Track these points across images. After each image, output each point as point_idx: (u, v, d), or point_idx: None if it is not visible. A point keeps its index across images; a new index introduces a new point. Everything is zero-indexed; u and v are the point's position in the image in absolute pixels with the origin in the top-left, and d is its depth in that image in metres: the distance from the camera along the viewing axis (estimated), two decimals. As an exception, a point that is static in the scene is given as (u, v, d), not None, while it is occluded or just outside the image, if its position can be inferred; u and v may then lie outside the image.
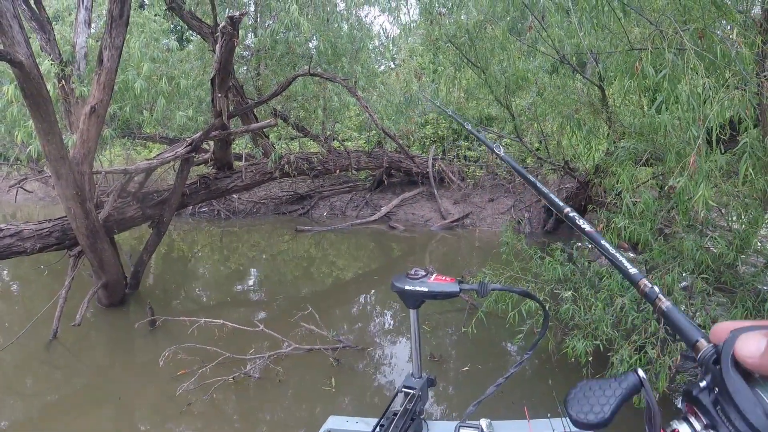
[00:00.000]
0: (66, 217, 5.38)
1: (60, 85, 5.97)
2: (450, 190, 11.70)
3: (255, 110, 8.98)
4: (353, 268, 8.68)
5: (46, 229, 5.52)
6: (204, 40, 8.79)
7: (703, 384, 0.57)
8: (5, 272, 7.87)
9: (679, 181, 2.84)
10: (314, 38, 8.84)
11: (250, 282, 7.94)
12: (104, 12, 7.87)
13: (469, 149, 12.61)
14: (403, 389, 1.33)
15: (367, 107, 8.03)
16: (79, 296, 5.54)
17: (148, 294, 6.53)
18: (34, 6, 5.76)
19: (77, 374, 4.74)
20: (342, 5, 9.24)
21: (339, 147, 10.75)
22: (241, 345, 4.76)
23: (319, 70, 8.18)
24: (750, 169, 2.81)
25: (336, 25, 8.83)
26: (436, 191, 11.40)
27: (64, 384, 4.55)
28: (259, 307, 6.64)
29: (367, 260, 9.23)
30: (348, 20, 9.46)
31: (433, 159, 11.58)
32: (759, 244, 3.89)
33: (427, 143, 12.95)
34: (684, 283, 3.79)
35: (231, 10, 8.22)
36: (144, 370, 4.77)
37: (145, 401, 4.26)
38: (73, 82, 6.09)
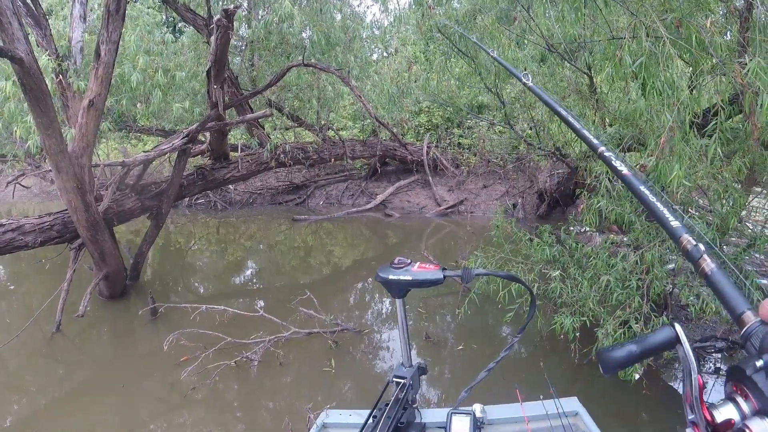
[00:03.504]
0: (66, 210, 5.47)
1: (57, 79, 6.05)
2: (445, 178, 11.82)
3: (250, 101, 9.06)
4: (350, 256, 8.81)
5: (47, 223, 5.61)
6: (198, 32, 8.83)
7: (760, 363, 0.51)
8: (2, 269, 7.96)
9: (650, 161, 2.97)
10: (307, 29, 8.90)
11: (249, 271, 8.07)
12: (98, 5, 7.95)
13: (462, 136, 12.70)
14: (394, 379, 1.33)
15: (360, 97, 8.12)
16: (79, 291, 5.62)
17: (148, 285, 6.64)
18: (30, 2, 5.83)
19: (80, 366, 4.84)
20: (334, -5, 9.32)
21: (334, 136, 10.84)
22: (241, 331, 4.87)
23: (313, 61, 8.25)
24: (719, 150, 2.94)
25: (329, 16, 8.89)
26: (431, 178, 11.51)
27: (67, 376, 4.65)
28: (258, 295, 6.78)
29: (364, 248, 9.36)
30: (341, 10, 9.53)
31: (427, 147, 11.68)
32: (739, 225, 3.99)
33: (422, 131, 13.01)
34: (671, 266, 3.93)
35: (225, 3, 8.27)
36: (147, 358, 4.89)
37: (149, 389, 4.37)
38: (70, 77, 6.17)
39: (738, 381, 0.53)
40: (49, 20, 6.65)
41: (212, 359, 4.32)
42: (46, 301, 5.44)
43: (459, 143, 12.69)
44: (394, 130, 10.23)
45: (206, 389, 4.17)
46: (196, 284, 7.38)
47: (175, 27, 12.93)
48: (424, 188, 11.83)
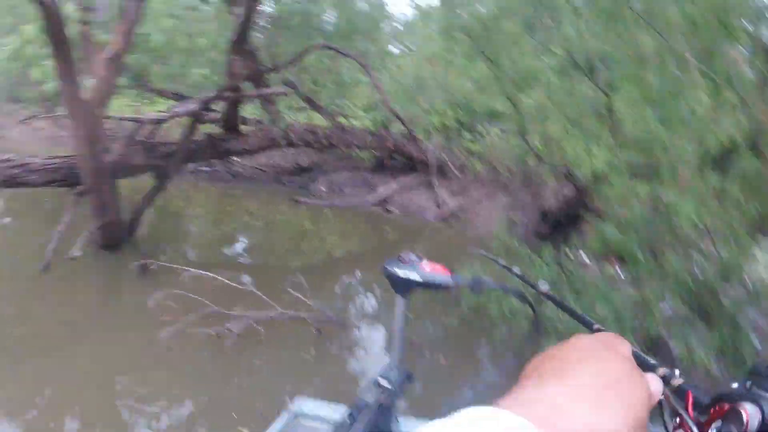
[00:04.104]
0: (74, 156, 5.51)
1: (81, 30, 6.07)
2: (449, 181, 11.77)
3: (266, 77, 9.07)
4: (345, 246, 8.82)
5: (54, 165, 5.67)
6: (224, 2, 8.85)
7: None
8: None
9: (668, 195, 2.92)
10: (330, 13, 8.92)
11: (242, 245, 8.09)
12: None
13: (471, 141, 12.65)
14: (379, 380, 1.22)
15: (379, 86, 8.13)
16: (73, 238, 5.62)
17: (142, 242, 6.64)
18: None
19: (62, 306, 4.87)
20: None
21: (346, 124, 10.81)
22: (227, 303, 4.78)
23: (335, 45, 8.26)
24: (735, 191, 2.89)
25: (354, 2, 8.91)
26: (435, 180, 11.48)
27: (47, 315, 4.69)
28: (249, 271, 6.75)
29: (360, 240, 9.36)
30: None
31: (435, 148, 11.64)
32: (745, 274, 3.89)
33: (432, 132, 12.97)
34: (668, 311, 3.82)
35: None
36: (130, 311, 4.90)
37: (126, 341, 4.37)
38: (93, 29, 6.19)
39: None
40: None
41: (194, 325, 4.30)
42: (38, 240, 5.45)
43: (468, 148, 12.63)
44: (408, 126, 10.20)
45: (182, 353, 4.16)
46: (190, 249, 7.40)
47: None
48: (427, 189, 11.78)
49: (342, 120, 10.88)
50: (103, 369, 3.98)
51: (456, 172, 11.66)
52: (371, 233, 9.79)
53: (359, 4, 9.15)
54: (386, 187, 11.44)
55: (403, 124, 9.80)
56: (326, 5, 8.21)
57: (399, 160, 12.52)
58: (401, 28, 11.32)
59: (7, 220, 7.62)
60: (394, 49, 13.02)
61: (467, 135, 12.73)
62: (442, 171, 11.70)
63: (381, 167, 12.32)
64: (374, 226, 10.07)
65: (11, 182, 5.46)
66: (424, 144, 11.96)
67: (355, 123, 12.54)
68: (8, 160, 5.49)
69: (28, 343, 4.20)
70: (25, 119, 8.54)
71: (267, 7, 9.83)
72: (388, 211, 10.69)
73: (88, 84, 5.51)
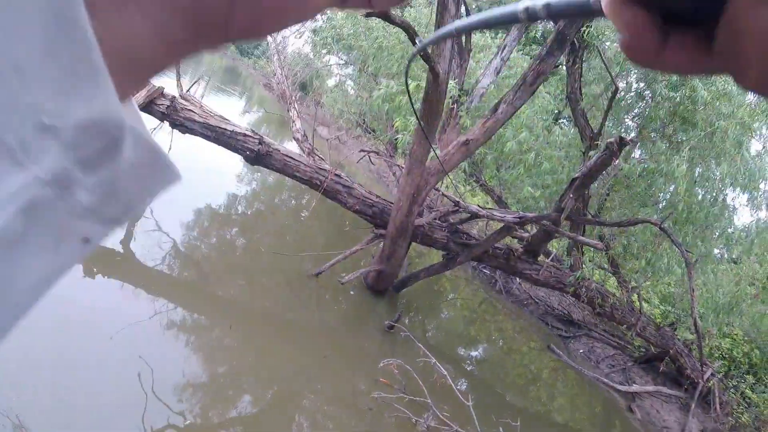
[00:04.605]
0: (391, 203, 6.14)
1: (452, 106, 6.83)
2: (707, 415, 9.87)
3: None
4: (568, 416, 8.01)
5: (371, 201, 6.41)
6: (581, 139, 9.03)
7: None
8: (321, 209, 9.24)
9: None
10: (673, 189, 8.40)
11: (476, 356, 7.96)
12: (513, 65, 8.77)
13: (752, 389, 10.46)
14: None
15: (693, 292, 7.32)
16: (352, 266, 6.23)
17: (400, 302, 7.00)
18: (464, 36, 6.72)
19: (304, 314, 5.40)
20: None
21: (636, 304, 9.95)
22: (439, 399, 4.69)
23: (666, 227, 7.71)
24: None
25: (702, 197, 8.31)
26: (693, 406, 9.72)
27: (286, 313, 5.24)
28: (469, 377, 6.59)
29: (588, 420, 8.39)
30: (716, 196, 8.75)
31: (712, 374, 9.90)
32: None
33: (716, 355, 11.14)
34: None
35: (620, 130, 8.32)
36: (357, 354, 5.13)
37: (338, 377, 4.60)
38: (461, 111, 6.90)
39: None
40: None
41: (400, 402, 4.31)
42: (322, 244, 6.17)
43: (744, 394, 10.44)
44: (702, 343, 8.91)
45: (378, 419, 4.16)
46: (433, 329, 7.53)
47: (557, 118, 13.46)
48: (681, 410, 10.05)
49: (634, 299, 10.07)
50: (299, 386, 4.26)
51: (719, 411, 9.78)
52: (602, 420, 8.66)
53: (703, 195, 8.48)
54: (642, 386, 10.17)
55: (698, 339, 8.60)
56: (676, 185, 7.72)
57: (668, 364, 11.02)
58: (735, 234, 10.09)
59: (305, 214, 8.76)
60: (718, 253, 11.63)
61: (750, 379, 10.67)
62: (705, 400, 9.95)
63: (647, 362, 11.04)
64: (608, 415, 8.93)
65: (332, 195, 6.38)
66: (704, 365, 10.30)
67: (645, 306, 11.48)
68: (339, 177, 6.43)
69: (262, 333, 4.73)
70: (367, 151, 9.80)
71: (624, 163, 9.75)
72: (630, 410, 9.39)
73: (435, 153, 6.10)
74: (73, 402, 3.00)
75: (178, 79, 6.27)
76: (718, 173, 8.42)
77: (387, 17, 4.23)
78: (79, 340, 3.55)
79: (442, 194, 6.81)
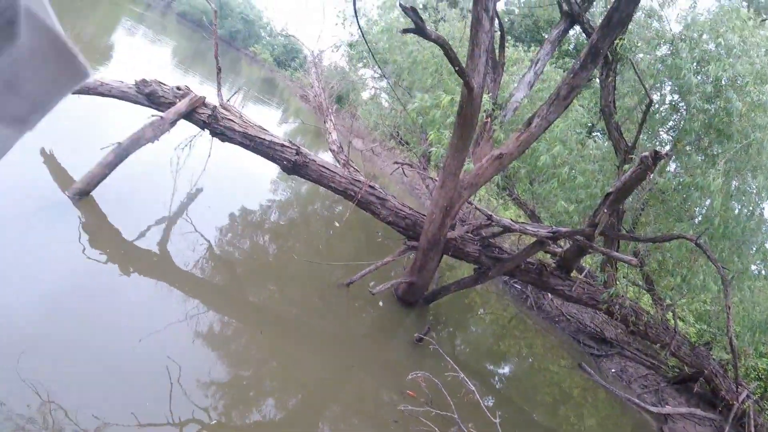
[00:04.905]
0: (424, 215, 6.18)
1: (486, 120, 6.84)
2: None
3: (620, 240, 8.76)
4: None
5: (404, 213, 6.45)
6: (615, 152, 8.93)
7: None
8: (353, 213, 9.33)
9: None
10: (708, 203, 8.25)
11: (506, 371, 7.87)
12: (547, 78, 8.73)
13: None
14: None
15: (729, 309, 7.12)
16: (382, 277, 6.28)
17: (429, 315, 7.00)
18: (497, 50, 6.72)
19: (333, 322, 5.44)
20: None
21: (671, 322, 9.71)
22: (466, 415, 4.68)
23: (701, 242, 7.53)
24: None
25: (739, 211, 8.12)
26: (727, 429, 9.40)
27: (316, 319, 5.28)
28: (496, 394, 6.53)
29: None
30: (753, 210, 8.53)
31: (746, 395, 9.55)
32: None
33: (752, 376, 10.77)
34: None
35: (655, 143, 8.18)
36: (384, 365, 5.14)
37: (362, 389, 4.63)
38: (495, 125, 6.90)
39: None
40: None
41: (427, 416, 4.30)
42: (353, 253, 6.23)
43: None
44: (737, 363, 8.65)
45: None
46: (461, 343, 7.49)
47: (591, 131, 13.30)
48: None
49: (669, 317, 9.82)
50: (324, 396, 4.29)
51: (753, 431, 9.42)
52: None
53: (739, 209, 8.29)
54: (675, 407, 9.88)
55: (733, 358, 8.33)
56: (712, 200, 7.55)
57: (703, 386, 10.70)
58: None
59: (338, 224, 8.85)
60: (755, 269, 11.30)
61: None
62: (740, 422, 9.61)
63: (680, 383, 10.74)
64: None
65: (365, 206, 6.47)
66: (739, 386, 9.98)
67: (680, 324, 11.20)
68: (373, 188, 6.50)
69: (282, 332, 4.81)
70: (401, 163, 9.89)
71: (659, 177, 9.59)
72: (660, 430, 9.13)
73: (469, 167, 6.11)
74: (103, 391, 3.11)
75: (219, 89, 6.44)
76: (754, 186, 8.23)
77: (422, 32, 4.27)
78: (110, 335, 3.65)
79: (475, 207, 6.81)
